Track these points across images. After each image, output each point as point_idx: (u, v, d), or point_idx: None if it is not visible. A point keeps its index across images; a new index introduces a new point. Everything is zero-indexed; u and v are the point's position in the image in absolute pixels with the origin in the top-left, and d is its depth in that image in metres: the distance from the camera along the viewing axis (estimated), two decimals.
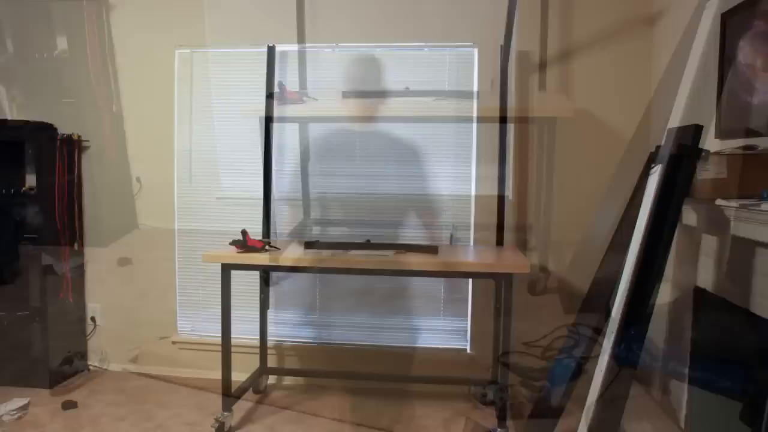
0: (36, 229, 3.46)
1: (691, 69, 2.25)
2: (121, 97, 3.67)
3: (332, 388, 3.54)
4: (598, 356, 2.35)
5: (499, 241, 3.24)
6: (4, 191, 3.46)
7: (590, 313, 2.68)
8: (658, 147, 2.33)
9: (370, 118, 3.16)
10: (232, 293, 2.92)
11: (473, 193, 3.45)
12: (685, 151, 2.00)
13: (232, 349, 2.98)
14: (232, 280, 2.90)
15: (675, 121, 2.28)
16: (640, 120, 3.29)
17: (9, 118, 3.67)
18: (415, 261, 2.75)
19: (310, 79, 3.52)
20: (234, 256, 2.83)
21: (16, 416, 3.02)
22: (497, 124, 3.30)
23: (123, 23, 3.63)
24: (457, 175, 3.46)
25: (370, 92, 3.13)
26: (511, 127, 3.37)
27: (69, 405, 3.15)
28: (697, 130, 2.01)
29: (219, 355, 2.94)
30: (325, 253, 2.87)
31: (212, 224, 3.64)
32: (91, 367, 3.81)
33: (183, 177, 3.67)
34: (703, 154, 2.06)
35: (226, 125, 3.60)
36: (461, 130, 3.44)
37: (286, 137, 3.56)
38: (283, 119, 3.46)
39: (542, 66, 3.35)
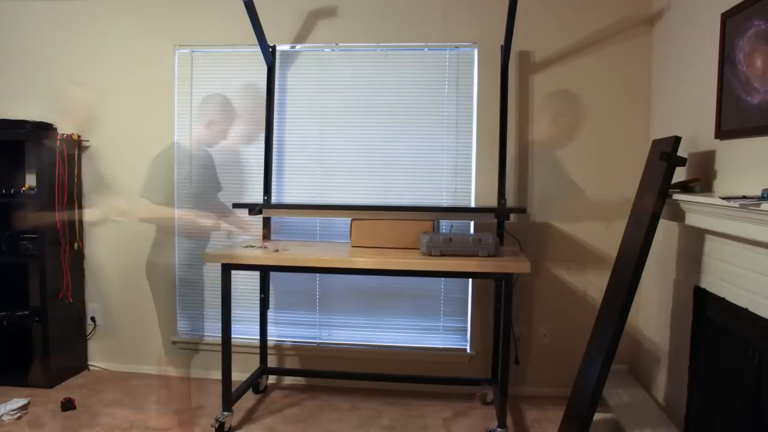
0: (36, 229, 3.46)
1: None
2: (121, 97, 3.67)
3: (332, 388, 3.54)
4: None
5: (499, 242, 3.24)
6: (4, 191, 3.46)
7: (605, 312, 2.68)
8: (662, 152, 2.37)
9: None
10: (232, 293, 2.92)
11: (473, 192, 3.45)
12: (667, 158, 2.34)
13: (232, 349, 2.98)
14: (232, 280, 2.90)
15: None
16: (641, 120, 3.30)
17: (9, 118, 3.67)
18: (414, 261, 2.75)
19: (310, 80, 3.53)
20: (234, 256, 2.84)
21: (16, 416, 3.03)
22: (497, 125, 3.31)
23: (123, 23, 3.63)
24: (457, 174, 3.46)
25: None
26: (510, 128, 3.37)
27: (69, 405, 3.15)
28: (676, 141, 2.37)
29: (219, 355, 2.94)
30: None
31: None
32: (91, 367, 3.81)
33: (183, 177, 3.66)
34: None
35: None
36: (461, 131, 3.44)
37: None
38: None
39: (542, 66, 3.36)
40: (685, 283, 2.58)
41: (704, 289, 2.39)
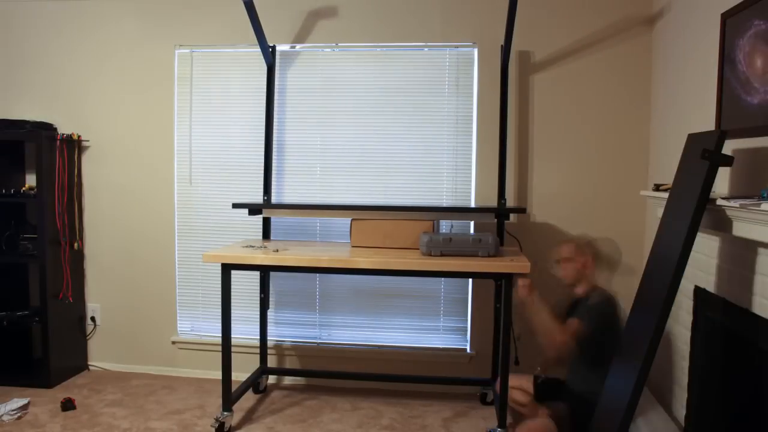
0: (36, 229, 3.46)
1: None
2: (121, 97, 3.67)
3: (332, 388, 3.54)
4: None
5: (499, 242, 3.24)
6: (4, 191, 3.46)
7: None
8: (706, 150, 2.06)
9: None
10: (232, 293, 2.92)
11: (473, 192, 3.45)
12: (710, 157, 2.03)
13: (232, 349, 2.98)
14: (232, 280, 2.90)
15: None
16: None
17: (9, 118, 3.68)
18: (414, 261, 2.75)
19: (310, 80, 3.53)
20: (234, 256, 2.83)
21: (16, 416, 3.03)
22: (497, 125, 3.31)
23: (123, 23, 3.63)
24: (457, 173, 3.46)
25: None
26: (510, 128, 3.38)
27: (69, 405, 3.15)
28: (721, 136, 2.03)
29: (219, 355, 2.94)
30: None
31: (212, 224, 3.65)
32: (91, 367, 3.81)
33: (183, 177, 3.67)
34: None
35: (225, 125, 3.60)
36: (461, 131, 3.44)
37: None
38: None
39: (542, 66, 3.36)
40: (685, 283, 2.58)
41: (704, 289, 2.39)
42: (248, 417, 3.13)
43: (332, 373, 3.51)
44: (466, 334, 3.53)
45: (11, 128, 3.45)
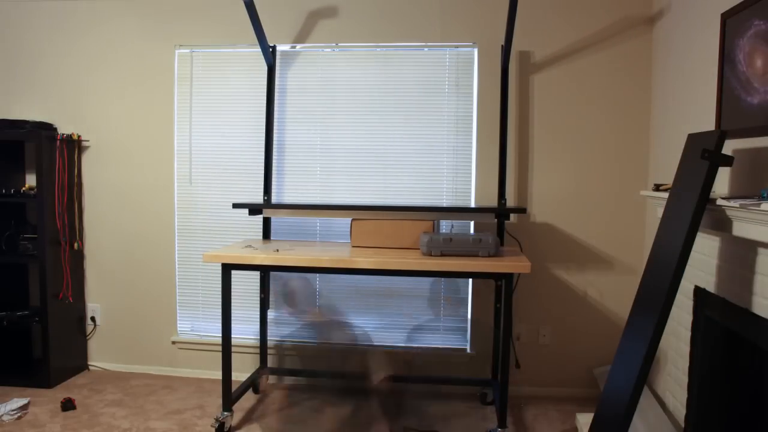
0: (36, 229, 3.46)
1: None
2: (121, 97, 3.67)
3: (332, 388, 3.54)
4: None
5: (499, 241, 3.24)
6: (4, 191, 3.46)
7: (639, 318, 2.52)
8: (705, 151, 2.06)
9: None
10: (232, 293, 2.92)
11: (473, 192, 3.45)
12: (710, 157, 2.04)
13: (232, 349, 2.98)
14: (232, 280, 2.90)
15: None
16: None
17: (9, 118, 3.68)
18: (415, 261, 2.75)
19: (310, 80, 3.53)
20: (234, 256, 2.83)
21: (16, 416, 3.03)
22: (497, 125, 3.31)
23: (123, 23, 3.64)
24: (457, 174, 3.46)
25: None
26: (510, 128, 3.38)
27: (69, 405, 3.15)
28: (721, 136, 2.04)
29: (219, 355, 2.95)
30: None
31: (212, 224, 3.65)
32: (91, 367, 3.82)
33: (183, 177, 3.67)
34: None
35: (226, 125, 3.60)
36: (461, 131, 3.44)
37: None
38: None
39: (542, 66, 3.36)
40: (685, 283, 2.58)
41: (704, 289, 2.39)
42: (248, 417, 3.13)
43: (332, 373, 3.50)
44: (466, 334, 3.53)
45: (11, 128, 3.45)
